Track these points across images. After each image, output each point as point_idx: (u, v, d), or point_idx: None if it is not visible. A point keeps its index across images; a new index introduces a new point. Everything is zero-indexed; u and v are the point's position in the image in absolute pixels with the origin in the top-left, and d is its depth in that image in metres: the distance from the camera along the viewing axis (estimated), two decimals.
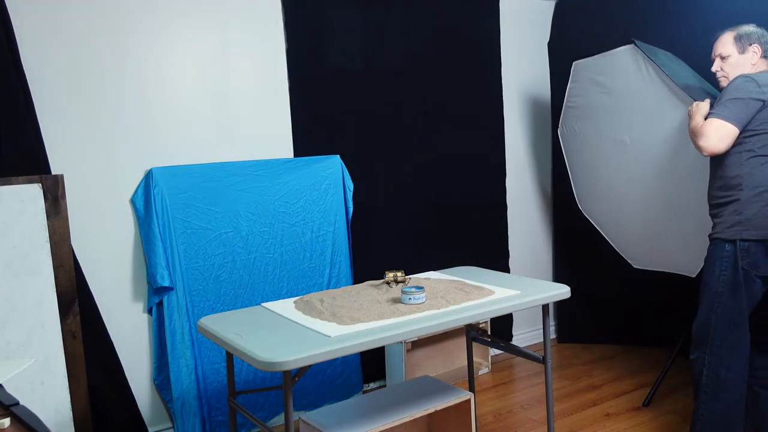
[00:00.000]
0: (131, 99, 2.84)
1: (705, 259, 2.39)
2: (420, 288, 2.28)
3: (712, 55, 2.52)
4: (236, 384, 2.87)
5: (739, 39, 2.43)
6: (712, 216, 2.40)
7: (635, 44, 3.20)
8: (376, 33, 3.46)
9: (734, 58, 2.44)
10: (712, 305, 2.32)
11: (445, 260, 3.68)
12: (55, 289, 2.50)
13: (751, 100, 2.23)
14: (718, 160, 2.37)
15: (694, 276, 3.29)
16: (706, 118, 2.32)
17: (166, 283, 2.79)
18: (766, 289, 2.33)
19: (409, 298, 2.24)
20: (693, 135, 2.37)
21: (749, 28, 2.45)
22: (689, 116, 2.46)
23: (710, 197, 2.43)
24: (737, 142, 2.28)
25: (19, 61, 2.53)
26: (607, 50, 3.31)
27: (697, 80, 3.00)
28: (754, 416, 2.44)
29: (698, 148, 2.32)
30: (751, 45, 2.41)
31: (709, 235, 2.40)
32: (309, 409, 3.22)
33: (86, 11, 2.72)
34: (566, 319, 4.24)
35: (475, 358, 3.79)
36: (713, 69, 2.51)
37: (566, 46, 3.86)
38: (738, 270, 2.27)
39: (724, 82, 2.46)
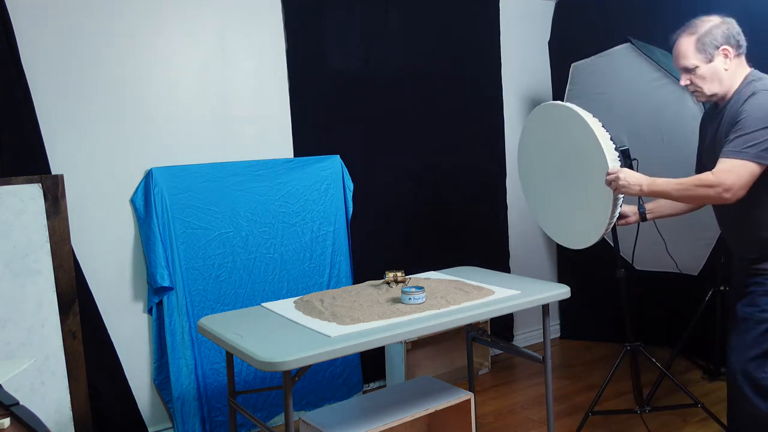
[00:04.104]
0: (131, 99, 2.84)
1: (759, 292, 1.98)
2: (420, 288, 2.28)
3: (674, 64, 2.11)
4: (236, 384, 2.87)
5: (701, 47, 2.00)
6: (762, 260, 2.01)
7: (631, 42, 3.20)
8: (376, 33, 3.46)
9: (703, 69, 2.01)
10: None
11: (445, 260, 3.67)
12: (55, 289, 2.50)
13: None
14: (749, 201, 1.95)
15: (696, 275, 3.29)
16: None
17: (166, 283, 2.79)
18: None
19: (409, 298, 2.24)
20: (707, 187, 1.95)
21: (710, 26, 2.00)
22: (618, 182, 2.15)
23: (757, 242, 2.00)
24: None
25: (19, 61, 2.53)
26: (607, 50, 3.31)
27: None
28: None
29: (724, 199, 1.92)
30: (718, 48, 1.98)
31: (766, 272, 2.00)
32: (309, 409, 3.21)
33: (86, 11, 2.72)
34: (570, 317, 4.24)
35: (475, 358, 3.78)
36: (682, 83, 2.09)
37: (566, 46, 3.87)
38: None
39: (701, 97, 2.08)
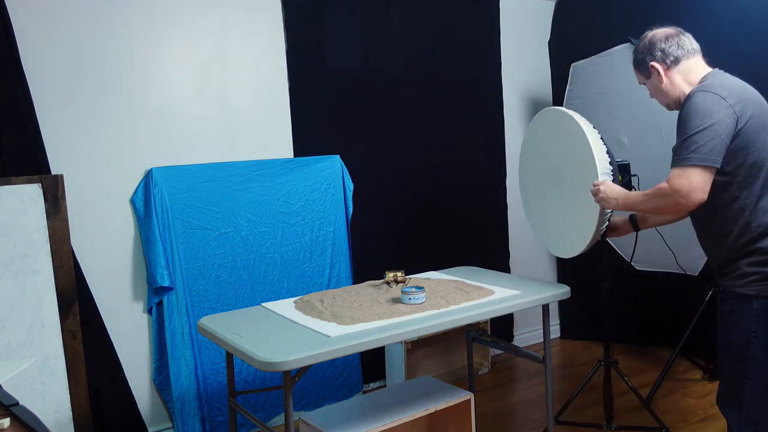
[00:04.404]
0: (131, 99, 2.84)
1: (724, 312, 1.95)
2: (420, 288, 2.28)
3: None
4: (236, 384, 2.87)
5: (637, 67, 2.07)
6: (726, 272, 1.94)
7: (631, 42, 3.20)
8: (376, 33, 3.46)
9: (647, 85, 2.07)
10: (744, 370, 1.89)
11: (445, 260, 3.68)
12: (55, 289, 2.50)
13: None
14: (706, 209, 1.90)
15: (696, 275, 3.29)
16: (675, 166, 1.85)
17: (166, 283, 2.79)
18: None
19: (409, 298, 2.24)
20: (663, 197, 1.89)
21: (640, 45, 2.05)
22: (600, 195, 2.17)
23: (719, 252, 1.95)
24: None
25: (19, 61, 2.53)
26: (607, 50, 3.31)
27: None
28: None
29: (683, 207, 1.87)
30: (650, 66, 2.01)
31: (727, 288, 1.94)
32: (309, 409, 3.21)
33: (86, 11, 2.72)
34: (570, 317, 4.24)
35: (475, 358, 3.79)
36: (650, 96, 2.15)
37: (566, 46, 3.87)
38: None
39: (665, 108, 2.12)
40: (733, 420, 1.94)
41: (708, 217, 1.94)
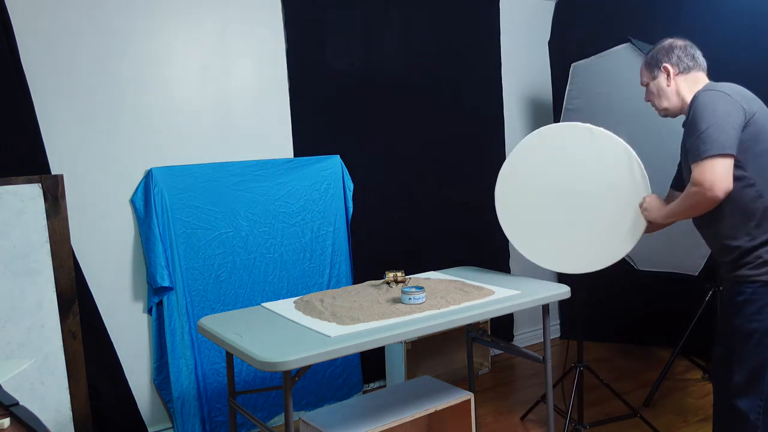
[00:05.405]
0: (131, 99, 2.84)
1: (740, 302, 1.96)
2: (420, 288, 2.28)
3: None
4: (236, 384, 2.87)
5: (648, 65, 2.18)
6: (744, 263, 1.97)
7: (631, 42, 3.20)
8: (376, 33, 3.46)
9: (651, 85, 2.18)
10: (765, 356, 1.92)
11: (445, 260, 3.68)
12: (55, 289, 2.50)
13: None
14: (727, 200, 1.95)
15: (696, 275, 3.29)
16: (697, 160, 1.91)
17: (166, 283, 2.79)
18: None
19: (409, 298, 2.24)
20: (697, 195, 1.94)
21: (658, 47, 2.17)
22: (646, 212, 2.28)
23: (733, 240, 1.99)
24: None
25: (19, 61, 2.53)
26: (607, 50, 3.31)
27: None
28: None
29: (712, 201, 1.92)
30: (659, 66, 2.13)
31: (744, 279, 1.96)
32: (309, 409, 3.21)
33: (86, 11, 2.72)
34: (570, 317, 4.24)
35: (475, 358, 3.79)
36: (645, 100, 2.25)
37: (566, 46, 3.86)
38: None
39: (658, 113, 2.21)
40: (750, 409, 1.95)
41: (726, 208, 1.97)
